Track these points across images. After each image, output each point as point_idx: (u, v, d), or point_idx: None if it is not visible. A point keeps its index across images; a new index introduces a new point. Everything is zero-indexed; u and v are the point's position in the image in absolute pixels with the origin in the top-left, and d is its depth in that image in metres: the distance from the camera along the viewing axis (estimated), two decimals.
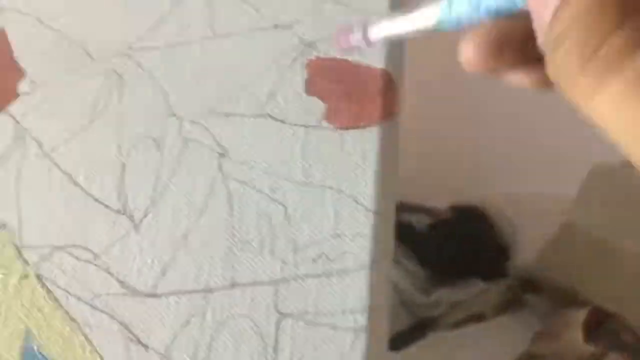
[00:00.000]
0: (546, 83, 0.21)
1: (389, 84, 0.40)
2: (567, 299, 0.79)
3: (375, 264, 0.35)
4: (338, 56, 0.42)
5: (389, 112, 0.39)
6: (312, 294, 0.35)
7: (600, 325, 0.78)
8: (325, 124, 0.39)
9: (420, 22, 0.36)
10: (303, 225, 0.36)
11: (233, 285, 0.35)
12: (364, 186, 0.37)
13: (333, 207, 0.37)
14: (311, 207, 0.37)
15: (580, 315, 0.75)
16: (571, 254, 0.79)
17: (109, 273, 0.35)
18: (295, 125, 0.39)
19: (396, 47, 0.43)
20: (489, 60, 0.23)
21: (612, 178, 0.82)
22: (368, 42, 0.39)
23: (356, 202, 0.37)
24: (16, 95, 0.42)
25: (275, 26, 0.43)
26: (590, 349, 0.71)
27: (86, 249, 0.36)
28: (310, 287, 0.35)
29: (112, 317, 0.34)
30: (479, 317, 0.82)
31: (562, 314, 0.78)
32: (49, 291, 0.35)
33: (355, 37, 0.40)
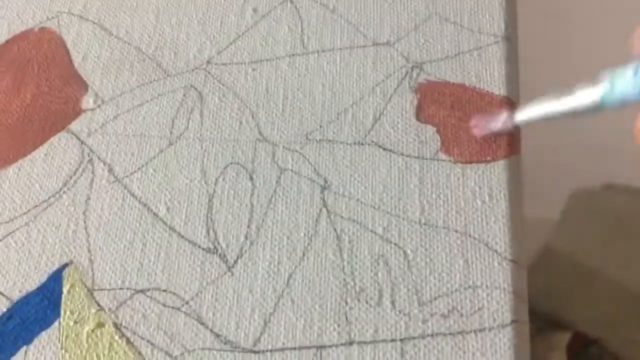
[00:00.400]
0: None
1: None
2: (548, 322, 0.79)
3: (516, 322, 0.31)
4: (451, 80, 0.38)
5: (515, 144, 0.36)
6: (446, 356, 0.30)
7: (582, 350, 0.78)
8: (442, 156, 0.35)
9: (576, 102, 0.35)
10: (427, 273, 0.32)
11: (350, 342, 0.30)
12: (497, 230, 0.33)
13: (461, 253, 0.33)
14: (435, 252, 0.33)
15: (563, 339, 0.74)
16: (552, 278, 0.83)
17: (202, 323, 0.31)
18: (408, 156, 0.35)
19: (514, 70, 0.40)
20: None
21: (592, 202, 0.90)
22: (513, 125, 0.39)
23: (488, 247, 0.33)
24: (79, 111, 0.38)
25: (375, 43, 0.39)
26: None
27: (173, 293, 0.32)
28: (443, 348, 0.31)
29: None
30: None
31: (545, 338, 0.78)
32: (129, 343, 0.31)
33: (500, 121, 0.38)
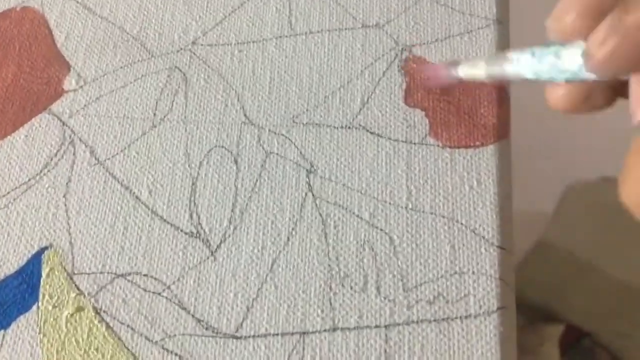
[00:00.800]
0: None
1: (503, 97, 0.37)
2: (542, 314, 0.79)
3: (502, 309, 0.31)
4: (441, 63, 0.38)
5: (504, 129, 0.36)
6: (430, 343, 0.30)
7: (575, 342, 0.79)
8: (431, 140, 0.35)
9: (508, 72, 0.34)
10: (413, 259, 0.32)
11: (334, 328, 0.30)
12: (485, 216, 0.33)
13: (448, 239, 0.33)
14: (421, 237, 0.33)
15: (556, 331, 0.75)
16: (546, 271, 0.83)
17: (183, 308, 0.31)
18: (396, 140, 0.35)
19: None
20: (578, 105, 0.28)
21: (588, 195, 0.92)
22: (455, 80, 0.38)
23: (475, 233, 0.33)
24: (61, 92, 0.37)
25: (364, 25, 0.39)
26: None
27: (154, 278, 0.31)
28: (428, 334, 0.30)
29: None
30: None
31: (538, 330, 0.79)
32: (109, 328, 0.30)
33: (444, 74, 0.37)
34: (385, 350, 0.36)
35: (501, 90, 0.43)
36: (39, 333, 0.36)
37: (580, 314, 0.84)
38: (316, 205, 0.39)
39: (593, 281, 0.84)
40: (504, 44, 0.45)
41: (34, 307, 0.37)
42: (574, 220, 0.89)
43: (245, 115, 0.42)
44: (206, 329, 0.36)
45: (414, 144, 0.41)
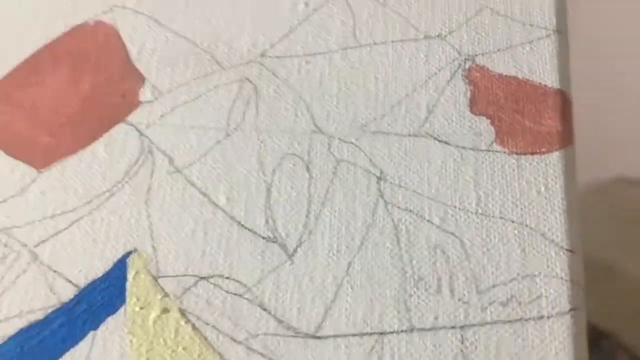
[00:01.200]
0: None
1: (567, 106, 0.38)
2: None
3: (575, 310, 0.33)
4: (504, 72, 0.40)
5: (568, 135, 0.37)
6: (505, 343, 0.32)
7: (595, 344, 0.76)
8: (497, 147, 0.36)
9: None
10: (485, 262, 0.34)
11: (411, 329, 0.32)
12: (553, 220, 0.35)
13: (518, 243, 0.34)
14: (492, 241, 0.34)
15: None
16: None
17: (264, 309, 0.32)
18: (463, 148, 0.37)
19: (565, 62, 0.41)
20: None
21: (605, 195, 0.83)
22: None
23: (545, 237, 0.34)
24: (137, 103, 0.39)
25: (426, 36, 0.41)
26: None
27: (235, 280, 0.33)
28: (502, 335, 0.32)
29: None
30: None
31: None
32: (195, 328, 0.32)
33: None
34: (462, 350, 0.37)
35: (565, 97, 0.44)
36: (128, 334, 0.38)
37: (599, 315, 0.85)
38: (387, 210, 0.41)
39: (612, 280, 0.84)
40: (564, 54, 0.47)
41: (121, 309, 0.39)
42: (592, 220, 0.90)
43: (314, 124, 0.44)
44: (287, 329, 0.38)
45: (481, 151, 0.43)
